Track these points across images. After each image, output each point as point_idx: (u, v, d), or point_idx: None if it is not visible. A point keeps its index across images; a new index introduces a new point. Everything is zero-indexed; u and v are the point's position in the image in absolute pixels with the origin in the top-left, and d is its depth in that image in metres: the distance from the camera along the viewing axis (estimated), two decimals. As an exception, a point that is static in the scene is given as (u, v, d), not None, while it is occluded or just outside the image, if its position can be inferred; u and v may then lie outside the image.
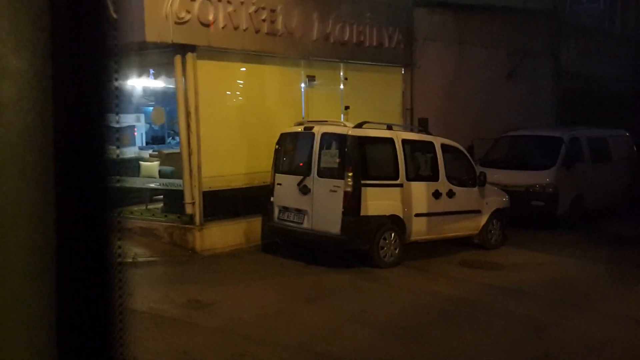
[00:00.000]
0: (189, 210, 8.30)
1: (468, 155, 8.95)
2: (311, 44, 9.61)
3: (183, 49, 8.10)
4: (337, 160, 7.55)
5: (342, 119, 9.98)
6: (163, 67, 8.94)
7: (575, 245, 9.54)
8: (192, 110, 8.24)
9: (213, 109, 8.57)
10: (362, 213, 7.38)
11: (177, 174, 11.21)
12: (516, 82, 13.82)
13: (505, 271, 7.82)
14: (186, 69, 8.14)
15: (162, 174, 11.11)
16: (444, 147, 8.44)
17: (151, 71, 9.40)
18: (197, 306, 5.84)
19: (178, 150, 14.13)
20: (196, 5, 8.00)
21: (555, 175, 10.64)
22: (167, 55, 8.28)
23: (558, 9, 15.18)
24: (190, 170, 8.29)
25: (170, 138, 19.28)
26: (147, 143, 17.12)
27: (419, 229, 8.04)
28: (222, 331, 5.19)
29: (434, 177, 8.27)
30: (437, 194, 8.21)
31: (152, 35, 7.68)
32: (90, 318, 0.99)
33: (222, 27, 8.37)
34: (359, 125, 7.72)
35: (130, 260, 7.64)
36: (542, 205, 10.48)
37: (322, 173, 7.68)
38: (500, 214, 9.16)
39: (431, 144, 8.33)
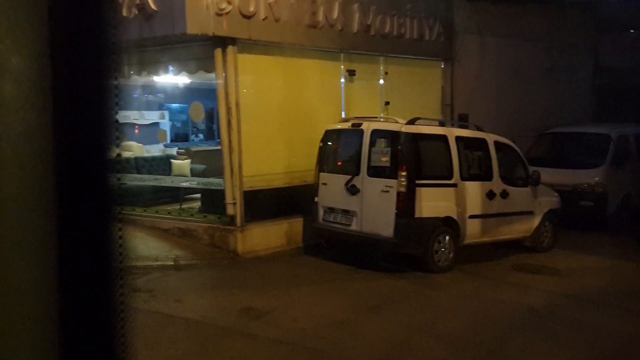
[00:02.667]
0: (230, 210, 7.92)
1: (520, 153, 8.50)
2: (352, 36, 9.20)
3: (223, 42, 7.72)
4: (389, 158, 7.14)
5: (381, 115, 9.56)
6: (197, 62, 8.53)
7: (629, 247, 9.07)
8: (232, 106, 7.86)
9: (252, 104, 8.18)
10: (417, 215, 6.97)
11: (208, 173, 10.90)
12: (555, 77, 13.32)
13: (565, 277, 7.37)
14: (226, 63, 7.76)
15: (193, 173, 10.80)
16: (497, 144, 8.00)
17: (170, 68, 9.02)
18: (252, 315, 5.47)
19: (207, 148, 13.92)
20: (237, -5, 7.61)
21: (604, 174, 10.16)
22: (206, 48, 7.89)
23: (596, 1, 14.62)
24: (231, 169, 7.91)
25: (194, 135, 19.03)
26: (171, 140, 16.84)
27: (473, 231, 7.61)
28: (285, 343, 4.81)
29: (487, 176, 7.83)
30: (491, 195, 7.77)
31: (193, 27, 7.31)
32: (92, 318, 0.98)
33: (263, 19, 7.98)
34: (411, 122, 7.30)
35: (172, 263, 7.30)
36: (592, 206, 10.00)
37: (372, 172, 7.27)
38: (552, 215, 8.71)
39: (484, 141, 7.89)
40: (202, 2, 7.33)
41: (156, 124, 16.39)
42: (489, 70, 11.77)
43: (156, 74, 9.04)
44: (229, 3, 7.54)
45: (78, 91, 0.94)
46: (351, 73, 9.44)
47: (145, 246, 7.82)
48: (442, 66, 11.05)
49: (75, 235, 0.94)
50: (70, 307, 0.93)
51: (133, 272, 6.83)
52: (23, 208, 0.89)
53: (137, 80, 10.69)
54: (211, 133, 19.38)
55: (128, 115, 14.91)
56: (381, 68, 10.05)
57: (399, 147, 7.03)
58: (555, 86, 13.37)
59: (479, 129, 8.16)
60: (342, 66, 9.41)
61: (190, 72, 8.68)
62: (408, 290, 6.47)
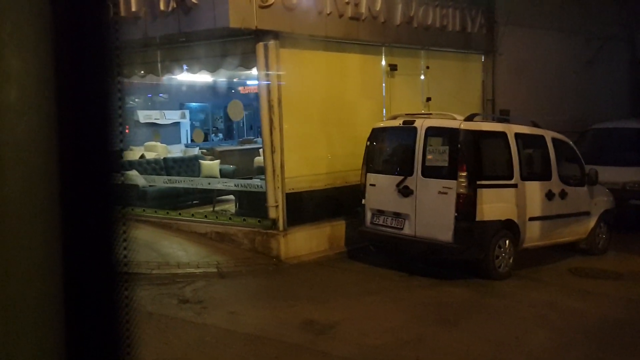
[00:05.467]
0: (272, 214, 7.51)
1: (577, 150, 8.04)
2: (394, 28, 8.76)
3: (265, 36, 7.29)
4: (447, 157, 6.69)
5: (422, 111, 9.10)
6: (236, 58, 8.07)
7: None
8: (274, 103, 7.44)
9: (293, 101, 7.75)
10: (478, 218, 6.52)
11: (238, 173, 10.49)
12: (594, 71, 12.80)
13: (630, 281, 6.90)
14: (268, 58, 7.34)
15: (222, 173, 10.40)
16: (554, 141, 7.54)
17: (184, 67, 8.59)
18: (316, 329, 5.05)
19: (231, 147, 13.52)
20: (281, -14, 7.18)
21: (654, 171, 9.66)
22: (247, 43, 7.46)
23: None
24: (273, 170, 7.49)
25: (213, 135, 18.67)
26: (191, 140, 16.48)
27: (532, 234, 7.15)
28: (361, 363, 4.39)
29: (546, 175, 7.37)
30: (550, 195, 7.31)
31: (236, 20, 6.90)
32: (97, 317, 0.96)
33: (306, 11, 7.55)
34: (469, 118, 6.85)
35: (215, 270, 6.89)
36: (643, 205, 9.52)
37: (427, 173, 6.82)
38: (608, 216, 8.24)
39: (542, 138, 7.43)
40: (245, -6, 6.90)
41: (177, 124, 16.03)
42: (529, 63, 11.27)
43: (190, 71, 8.60)
44: (272, -6, 7.11)
45: (81, 93, 0.93)
46: (393, 67, 9.00)
47: (184, 252, 7.42)
48: (483, 59, 10.58)
49: (79, 239, 0.93)
50: (75, 310, 0.93)
51: (177, 281, 6.44)
52: (27, 211, 0.89)
53: (167, 79, 10.29)
54: (230, 132, 19.04)
55: (150, 115, 14.55)
56: (422, 62, 9.60)
57: (459, 145, 6.58)
58: (594, 80, 12.86)
59: (536, 125, 7.70)
60: (384, 60, 8.97)
61: (229, 69, 8.26)
62: (474, 299, 6.03)
